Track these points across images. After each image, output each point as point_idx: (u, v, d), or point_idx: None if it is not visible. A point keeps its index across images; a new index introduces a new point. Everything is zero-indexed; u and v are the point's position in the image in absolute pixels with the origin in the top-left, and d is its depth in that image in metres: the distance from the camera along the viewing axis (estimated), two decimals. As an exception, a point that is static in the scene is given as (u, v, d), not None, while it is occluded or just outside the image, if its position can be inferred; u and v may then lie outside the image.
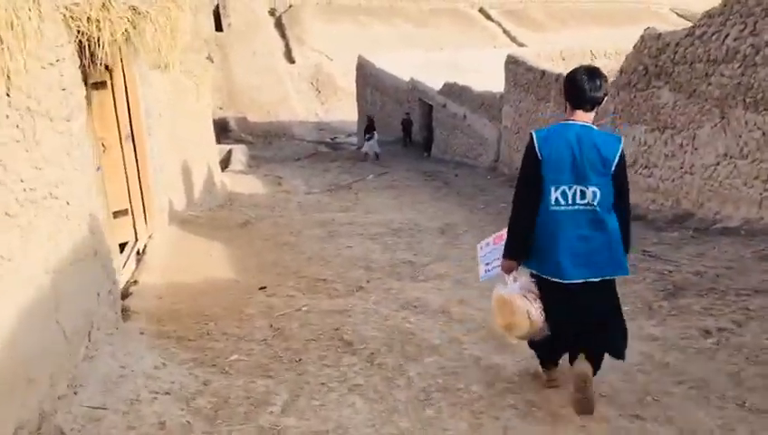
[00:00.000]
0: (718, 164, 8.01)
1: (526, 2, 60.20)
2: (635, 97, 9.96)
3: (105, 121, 6.69)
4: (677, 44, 8.80)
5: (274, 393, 3.93)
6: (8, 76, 3.21)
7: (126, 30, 5.83)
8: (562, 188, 3.36)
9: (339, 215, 10.17)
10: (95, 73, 6.12)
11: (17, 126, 3.36)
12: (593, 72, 3.47)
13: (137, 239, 7.28)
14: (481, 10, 58.90)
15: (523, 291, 3.52)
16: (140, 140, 7.55)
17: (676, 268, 5.71)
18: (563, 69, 13.37)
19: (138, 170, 7.50)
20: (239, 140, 33.44)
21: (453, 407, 3.67)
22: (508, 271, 3.60)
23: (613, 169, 3.34)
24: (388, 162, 20.33)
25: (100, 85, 6.57)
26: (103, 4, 4.88)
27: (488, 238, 4.11)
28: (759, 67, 7.23)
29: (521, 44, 43.50)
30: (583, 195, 3.34)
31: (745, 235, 6.76)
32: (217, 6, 52.67)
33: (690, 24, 8.82)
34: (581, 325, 3.43)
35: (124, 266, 6.63)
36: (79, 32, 4.67)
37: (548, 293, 3.48)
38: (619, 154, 3.35)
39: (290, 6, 54.54)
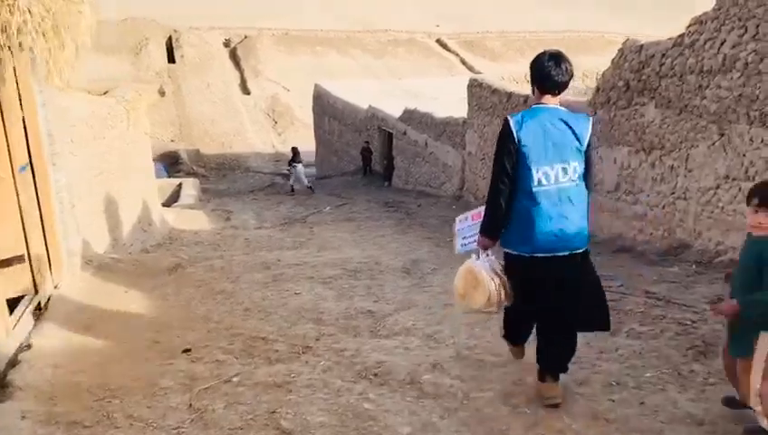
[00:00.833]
0: (718, 187, 7.04)
1: (483, 32, 60.40)
2: (615, 116, 9.02)
3: (-13, 148, 5.40)
4: (664, 56, 7.89)
5: None
6: None
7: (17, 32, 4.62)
8: (544, 168, 3.45)
9: (288, 254, 8.93)
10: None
11: None
12: (558, 57, 3.57)
13: (36, 292, 5.94)
14: (438, 40, 58.90)
15: (492, 269, 3.63)
16: (41, 171, 6.24)
17: (698, 316, 4.62)
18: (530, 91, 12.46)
19: (39, 207, 6.20)
20: (191, 174, 32.01)
21: None
22: (484, 248, 3.71)
23: (586, 145, 3.53)
24: (348, 194, 19.18)
25: (-23, 103, 5.29)
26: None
27: (467, 213, 4.28)
28: (764, 75, 6.30)
29: (478, 73, 43.10)
30: (565, 172, 3.46)
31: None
32: (170, 38, 51.48)
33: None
34: (562, 299, 3.54)
35: (15, 327, 5.30)
36: None
37: (528, 270, 3.57)
38: (589, 131, 3.53)
39: (245, 37, 53.57)
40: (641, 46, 8.36)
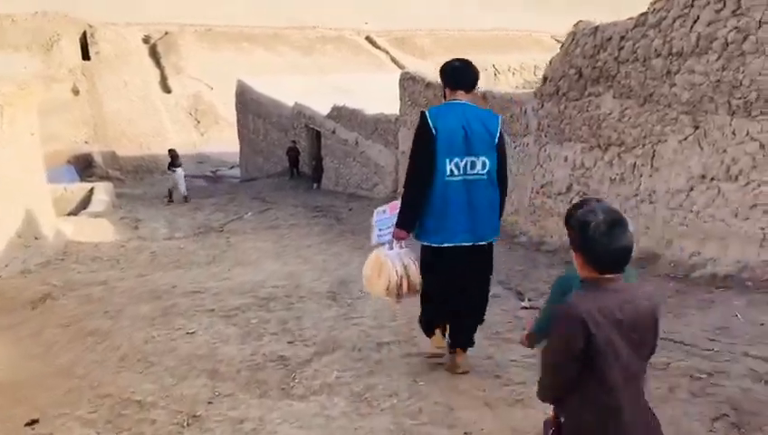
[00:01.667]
0: (692, 189, 6.07)
1: (413, 30, 59.74)
2: (565, 108, 8.01)
3: None
4: (623, 38, 6.89)
5: None
6: None
7: None
8: (455, 160, 3.59)
9: (193, 274, 7.53)
10: None
11: None
12: (464, 60, 3.89)
13: None
14: (367, 38, 57.89)
15: (400, 260, 3.72)
16: None
17: (712, 364, 3.53)
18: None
19: None
20: (105, 177, 29.80)
21: None
22: (398, 239, 3.78)
23: (497, 140, 3.72)
24: (273, 197, 17.74)
25: None
26: None
27: (385, 206, 4.30)
28: (749, 57, 5.34)
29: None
30: (474, 165, 3.62)
31: (758, 289, 4.75)
32: (84, 34, 48.63)
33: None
34: (463, 287, 3.73)
35: None
36: None
37: (438, 260, 3.69)
38: (500, 127, 3.75)
39: (166, 33, 51.13)
40: (596, 28, 7.36)
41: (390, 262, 3.72)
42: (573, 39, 7.78)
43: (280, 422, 3.46)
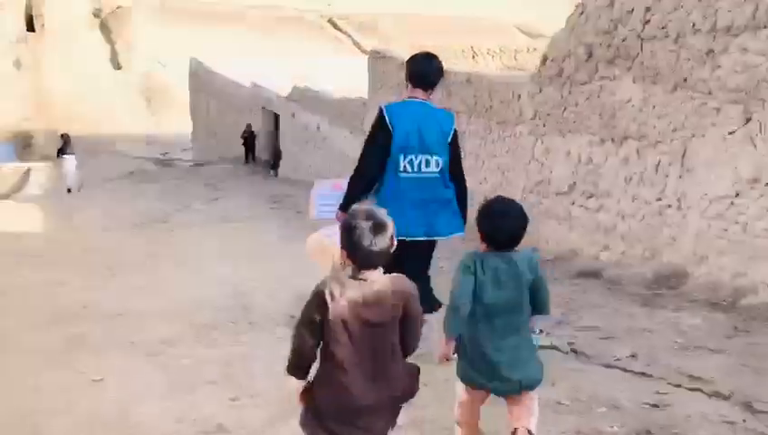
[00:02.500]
0: (738, 195, 4.95)
1: (376, 15, 58.27)
2: (570, 94, 6.84)
3: None
4: (649, 10, 5.73)
5: None
6: None
7: None
8: (410, 156, 3.66)
9: (118, 284, 6.14)
10: None
11: None
12: (430, 56, 3.90)
13: None
14: (330, 20, 56.23)
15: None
16: None
17: None
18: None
19: None
20: (46, 157, 27.74)
21: None
22: (340, 220, 3.53)
23: (450, 139, 3.78)
24: (226, 184, 16.28)
25: None
26: None
27: (326, 181, 4.69)
28: (829, 32, 4.22)
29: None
30: (428, 163, 3.69)
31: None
32: (29, 4, 45.94)
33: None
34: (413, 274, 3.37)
35: None
36: None
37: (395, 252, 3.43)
38: (453, 127, 3.82)
39: (118, 8, 48.54)
40: (614, -2, 6.18)
41: (335, 251, 3.26)
42: (583, 11, 6.59)
43: None
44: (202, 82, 24.69)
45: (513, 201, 2.55)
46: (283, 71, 24.07)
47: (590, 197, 6.64)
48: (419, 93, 3.80)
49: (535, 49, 13.40)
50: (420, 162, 3.67)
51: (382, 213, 2.22)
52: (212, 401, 3.32)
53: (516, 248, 2.46)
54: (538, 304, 2.53)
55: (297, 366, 2.16)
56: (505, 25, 57.24)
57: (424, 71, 3.83)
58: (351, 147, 14.01)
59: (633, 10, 5.90)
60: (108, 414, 3.22)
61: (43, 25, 43.39)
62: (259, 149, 20.02)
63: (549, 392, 3.20)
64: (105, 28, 46.53)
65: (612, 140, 6.30)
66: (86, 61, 41.04)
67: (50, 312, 4.77)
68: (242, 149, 20.42)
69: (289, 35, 50.89)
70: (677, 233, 5.54)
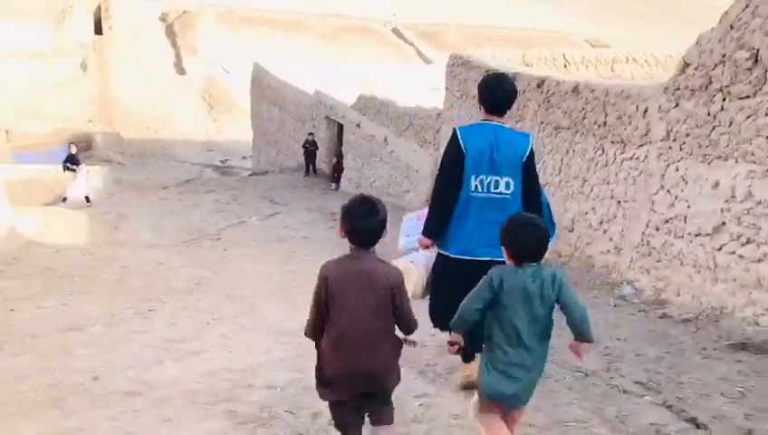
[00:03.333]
0: None
1: (441, 25, 57.18)
2: (723, 110, 5.37)
3: None
4: None
5: None
6: None
7: None
8: (480, 177, 3.70)
9: (147, 336, 4.93)
10: None
11: None
12: (504, 78, 3.91)
13: None
14: (394, 30, 55.38)
15: (424, 267, 4.04)
16: None
17: None
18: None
19: None
20: (105, 161, 27.40)
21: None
22: (424, 247, 3.93)
23: (525, 160, 3.74)
24: (284, 198, 15.17)
25: None
26: None
27: (413, 213, 4.81)
28: None
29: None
30: (497, 184, 3.71)
31: None
32: (99, 7, 46.41)
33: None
34: None
35: None
36: None
37: (451, 270, 3.80)
38: (529, 149, 3.77)
39: (184, 12, 48.70)
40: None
41: (415, 271, 4.11)
42: (748, 5, 5.13)
43: None
44: (264, 88, 23.82)
45: (533, 216, 2.87)
46: (348, 76, 23.01)
47: (748, 242, 5.15)
48: (494, 118, 3.81)
49: (635, 59, 11.88)
50: (490, 183, 3.72)
51: (375, 199, 2.75)
52: None
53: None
54: (573, 327, 2.70)
55: (313, 332, 2.76)
56: (574, 38, 55.34)
57: (497, 95, 3.81)
58: (421, 162, 12.72)
59: (831, 1, 4.43)
60: None
61: (110, 28, 43.71)
62: (320, 160, 18.92)
63: None
64: (171, 32, 46.66)
65: (786, 171, 4.82)
66: (150, 64, 41.03)
67: (49, 386, 3.56)
68: (302, 159, 19.36)
69: (353, 44, 50.23)
70: None
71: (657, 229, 6.17)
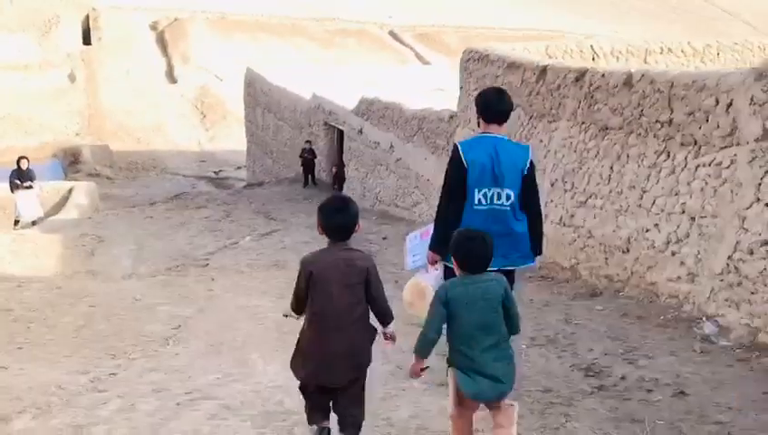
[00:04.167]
0: None
1: (438, 26, 56.03)
2: None
3: None
4: None
5: None
6: None
7: None
8: (484, 190, 3.81)
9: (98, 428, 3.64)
10: None
11: None
12: (501, 91, 4.16)
13: None
14: (391, 32, 54.31)
15: (437, 284, 3.78)
16: None
17: None
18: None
19: None
20: (93, 175, 26.09)
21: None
22: (432, 262, 3.99)
23: (525, 172, 3.84)
24: (281, 212, 13.88)
25: None
26: None
27: (417, 232, 4.62)
28: None
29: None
30: (500, 196, 3.82)
31: None
32: (87, 17, 45.19)
33: None
34: None
35: None
36: None
37: None
38: (529, 160, 3.87)
39: (175, 20, 47.48)
40: None
41: (430, 290, 3.80)
42: None
43: None
44: (258, 94, 22.55)
45: (479, 231, 3.12)
46: (346, 80, 21.71)
47: None
48: (493, 128, 3.91)
49: (670, 49, 10.61)
50: (493, 195, 3.82)
51: (346, 197, 3.22)
52: None
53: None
54: (510, 325, 3.03)
55: (296, 308, 3.09)
56: (575, 37, 54.11)
57: (495, 106, 3.94)
58: (432, 170, 11.43)
59: None
60: None
61: (99, 39, 42.52)
62: (319, 170, 17.64)
63: None
64: (161, 41, 45.45)
65: None
66: (141, 74, 39.77)
67: None
68: (300, 169, 18.09)
69: (350, 48, 49.10)
70: None
71: (752, 253, 4.87)
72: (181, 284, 8.16)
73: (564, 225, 7.25)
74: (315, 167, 17.58)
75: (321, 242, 9.71)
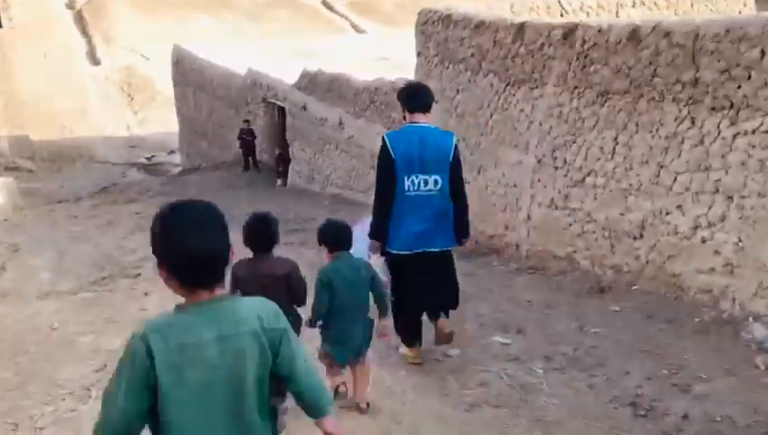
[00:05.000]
0: None
1: (373, -5, 54.41)
2: None
3: None
4: None
5: None
6: None
7: None
8: (412, 177, 4.05)
9: None
10: None
11: None
12: (420, 84, 4.76)
13: None
14: (324, 2, 52.56)
15: (383, 270, 4.13)
16: None
17: None
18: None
19: None
20: (12, 168, 24.00)
21: None
22: (375, 250, 4.19)
23: (451, 159, 4.11)
24: (222, 202, 12.49)
25: None
26: None
27: (357, 225, 4.34)
28: None
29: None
30: (426, 183, 4.07)
31: None
32: (-5, -3, 41.84)
33: None
34: (429, 286, 4.18)
35: None
36: None
37: (400, 265, 4.18)
38: (453, 147, 4.14)
39: (93, -3, 44.63)
40: None
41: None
42: None
43: None
44: (187, 72, 20.87)
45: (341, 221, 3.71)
46: (282, 56, 20.25)
47: None
48: (419, 117, 4.14)
49: (642, 2, 9.70)
50: (420, 182, 4.05)
51: (267, 214, 3.50)
52: None
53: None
54: (378, 304, 3.65)
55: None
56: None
57: (419, 96, 4.21)
58: (390, 148, 10.31)
59: None
60: None
61: (11, 19, 39.39)
62: (260, 151, 16.27)
63: None
64: (80, 20, 42.65)
65: None
66: (59, 57, 37.08)
67: None
68: (238, 151, 16.69)
69: (282, 20, 47.24)
70: None
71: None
72: (108, 303, 6.84)
73: (556, 207, 6.25)
74: (256, 148, 16.20)
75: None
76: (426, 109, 4.16)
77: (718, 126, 4.55)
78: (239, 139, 16.13)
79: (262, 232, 3.34)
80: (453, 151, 4.08)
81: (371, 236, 4.14)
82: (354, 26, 48.33)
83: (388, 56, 17.78)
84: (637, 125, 5.26)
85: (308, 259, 7.84)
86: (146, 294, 7.10)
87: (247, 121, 16.20)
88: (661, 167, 5.06)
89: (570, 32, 5.96)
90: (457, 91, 7.96)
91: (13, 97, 32.70)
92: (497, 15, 7.40)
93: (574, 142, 5.98)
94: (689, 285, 4.91)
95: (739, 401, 3.50)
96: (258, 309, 1.77)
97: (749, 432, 3.21)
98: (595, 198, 5.78)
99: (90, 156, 27.66)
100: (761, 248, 4.31)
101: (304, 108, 13.24)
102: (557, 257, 6.29)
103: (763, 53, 4.18)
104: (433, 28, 8.48)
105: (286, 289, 3.29)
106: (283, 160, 14.64)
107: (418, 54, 9.10)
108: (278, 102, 15.04)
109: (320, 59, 16.65)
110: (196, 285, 1.70)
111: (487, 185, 7.40)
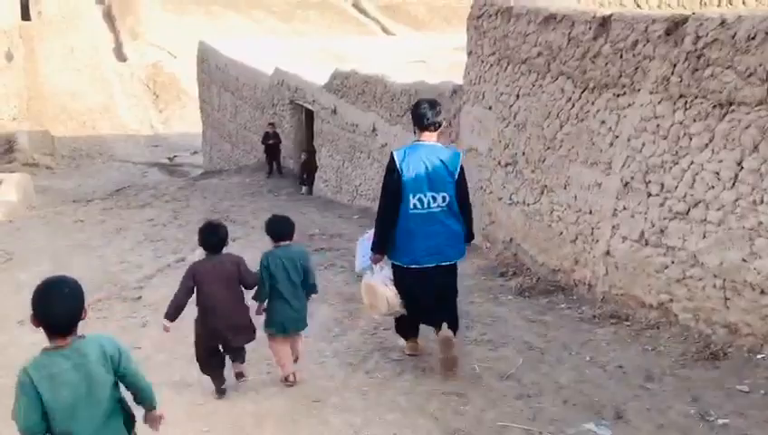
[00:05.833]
0: None
1: (403, -2, 53.57)
2: None
3: None
4: None
5: None
6: None
7: None
8: (419, 195, 4.25)
9: None
10: None
11: None
12: (433, 103, 4.49)
13: None
14: (355, 4, 51.75)
15: (384, 280, 4.41)
16: None
17: None
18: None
19: None
20: (31, 165, 23.18)
21: None
22: (376, 262, 4.45)
23: (457, 177, 4.34)
24: (241, 211, 11.45)
25: None
26: None
27: (365, 235, 4.78)
28: None
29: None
30: (435, 200, 4.27)
31: None
32: (25, -10, 41.46)
33: None
34: (434, 300, 4.40)
35: None
36: None
37: (407, 278, 4.38)
38: (459, 166, 4.35)
39: (123, -8, 44.07)
40: None
41: (380, 286, 4.36)
42: None
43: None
44: (212, 70, 19.89)
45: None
46: (312, 56, 19.17)
47: None
48: (427, 136, 4.32)
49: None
50: (429, 199, 4.25)
51: (217, 222, 4.51)
52: None
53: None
54: (308, 285, 4.40)
55: (175, 313, 4.18)
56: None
57: (427, 116, 4.29)
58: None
59: None
60: None
61: (40, 13, 38.95)
62: (285, 156, 15.20)
63: None
64: (109, 15, 42.10)
65: None
66: (86, 52, 36.51)
67: None
68: (263, 156, 15.63)
69: (312, 21, 46.46)
70: None
71: None
72: (101, 332, 5.76)
73: (647, 243, 5.03)
74: (280, 153, 15.12)
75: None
76: (436, 127, 4.35)
77: None
78: (263, 143, 15.06)
79: (210, 236, 4.22)
80: (459, 170, 4.33)
81: (373, 249, 4.43)
82: (384, 29, 47.39)
83: (427, 59, 16.61)
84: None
85: (335, 288, 6.71)
86: (143, 325, 6.03)
87: (273, 124, 15.14)
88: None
89: (675, 25, 4.75)
90: (518, 96, 6.76)
91: (37, 91, 32.10)
92: (572, 7, 6.19)
93: (676, 164, 4.76)
94: (739, 330, 3.67)
95: None
96: (100, 342, 2.60)
97: None
98: (704, 237, 4.55)
99: (110, 154, 26.82)
100: None
101: (334, 111, 12.13)
102: (646, 306, 5.07)
103: None
104: (489, 23, 7.29)
105: (237, 277, 4.16)
106: (308, 168, 13.53)
107: (469, 54, 7.93)
108: (306, 105, 13.95)
109: (350, 61, 15.53)
110: (57, 335, 2.52)
111: (553, 209, 6.18)
